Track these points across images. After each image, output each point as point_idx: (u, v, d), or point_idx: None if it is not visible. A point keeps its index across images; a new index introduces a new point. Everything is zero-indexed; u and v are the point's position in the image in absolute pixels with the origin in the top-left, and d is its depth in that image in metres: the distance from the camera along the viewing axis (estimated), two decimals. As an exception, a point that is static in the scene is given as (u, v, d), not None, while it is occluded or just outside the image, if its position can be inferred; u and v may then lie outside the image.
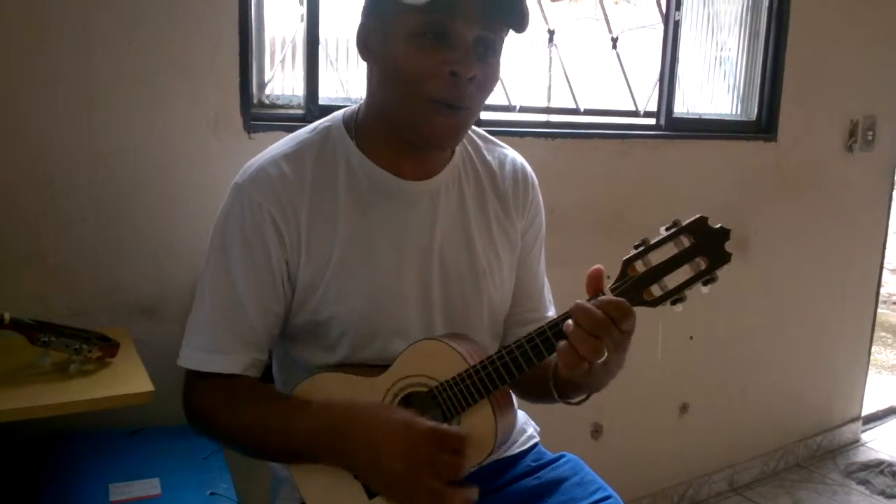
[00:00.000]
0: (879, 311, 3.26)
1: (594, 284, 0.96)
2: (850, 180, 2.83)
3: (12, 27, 1.29)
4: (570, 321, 0.94)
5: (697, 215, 0.94)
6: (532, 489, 1.20)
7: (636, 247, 0.95)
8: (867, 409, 3.26)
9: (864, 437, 3.20)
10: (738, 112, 2.54)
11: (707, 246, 0.93)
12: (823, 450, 3.03)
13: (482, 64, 1.03)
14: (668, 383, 2.42)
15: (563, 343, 0.94)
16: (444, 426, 0.98)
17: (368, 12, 1.07)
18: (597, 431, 2.26)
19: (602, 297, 0.94)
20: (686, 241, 0.94)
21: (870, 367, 3.22)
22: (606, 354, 0.93)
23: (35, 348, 1.11)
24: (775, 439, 2.84)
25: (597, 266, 0.97)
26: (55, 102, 1.33)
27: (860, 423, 3.20)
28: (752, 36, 2.49)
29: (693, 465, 2.58)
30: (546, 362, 1.02)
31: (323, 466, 1.04)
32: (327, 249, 1.08)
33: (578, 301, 0.94)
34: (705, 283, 0.94)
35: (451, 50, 1.00)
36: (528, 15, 1.03)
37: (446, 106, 1.02)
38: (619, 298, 0.94)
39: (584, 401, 1.12)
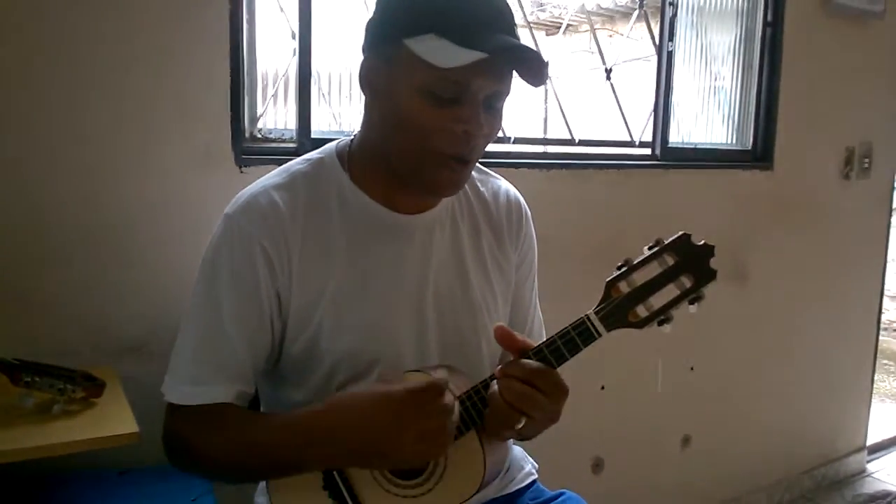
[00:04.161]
0: (881, 338, 3.24)
1: (513, 344, 0.98)
2: (847, 208, 2.83)
3: None
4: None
5: (680, 233, 0.92)
6: (530, 529, 1.17)
7: (619, 267, 0.93)
8: (872, 439, 3.22)
9: (870, 467, 3.16)
10: (734, 141, 2.55)
11: (691, 263, 0.92)
12: (829, 481, 2.98)
13: (490, 117, 1.02)
14: (669, 415, 2.39)
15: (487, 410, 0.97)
16: (413, 383, 0.94)
17: (371, 50, 1.04)
18: (598, 466, 2.22)
19: (528, 366, 0.95)
20: (670, 260, 0.92)
21: (873, 395, 3.18)
22: (524, 422, 0.95)
23: (18, 389, 1.09)
24: (779, 471, 2.80)
25: (497, 325, 0.99)
26: (43, 138, 1.33)
27: (865, 453, 3.16)
28: (746, 66, 2.50)
29: (697, 498, 2.53)
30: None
31: (304, 494, 1.01)
32: (320, 281, 1.07)
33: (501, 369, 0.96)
34: (692, 302, 0.93)
35: (462, 108, 0.98)
36: (546, 72, 1.00)
37: (455, 160, 1.02)
38: (542, 367, 0.95)
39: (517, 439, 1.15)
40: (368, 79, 1.04)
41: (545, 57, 0.99)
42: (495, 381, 0.98)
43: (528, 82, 1.01)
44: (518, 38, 1.01)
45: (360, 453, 0.96)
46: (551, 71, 2.09)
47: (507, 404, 0.94)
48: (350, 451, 0.96)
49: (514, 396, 0.93)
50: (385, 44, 1.01)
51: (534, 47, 1.03)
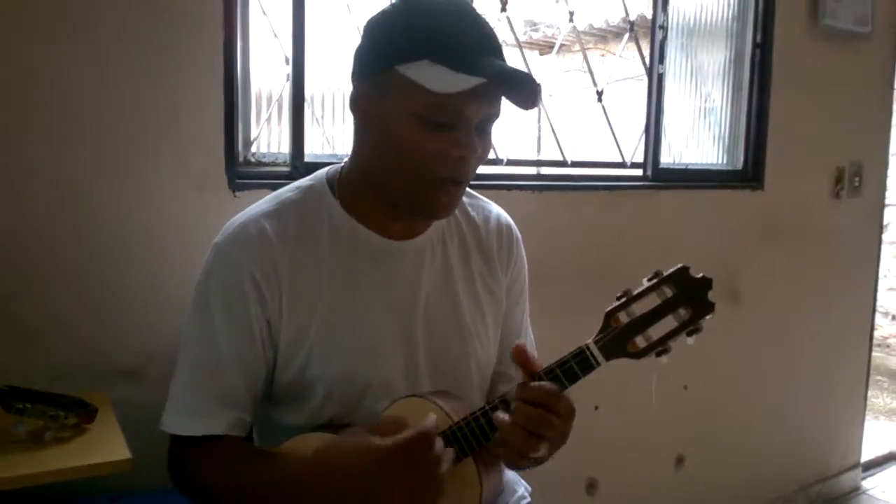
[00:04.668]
0: (874, 354, 3.24)
1: (526, 362, 0.97)
2: (838, 226, 2.84)
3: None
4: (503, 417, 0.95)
5: (679, 265, 0.93)
6: (523, 554, 1.17)
7: (618, 298, 0.94)
8: (866, 456, 3.22)
9: (865, 484, 3.15)
10: (725, 161, 2.56)
11: (689, 296, 0.93)
12: (823, 498, 2.97)
13: (482, 139, 1.03)
14: (663, 435, 2.39)
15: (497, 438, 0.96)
16: (406, 434, 0.93)
17: (362, 77, 1.05)
18: (592, 486, 2.22)
19: (533, 386, 0.95)
20: (668, 292, 0.93)
21: (867, 412, 3.18)
22: (543, 449, 0.95)
23: (9, 415, 1.09)
24: (774, 489, 2.79)
25: (519, 342, 0.98)
26: (34, 164, 1.33)
27: (860, 470, 3.15)
28: (736, 87, 2.53)
29: (692, 518, 2.53)
30: None
31: None
32: (311, 309, 1.07)
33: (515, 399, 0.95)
34: (689, 334, 0.93)
35: (457, 133, 0.99)
36: (539, 96, 1.01)
37: (451, 183, 1.03)
38: (549, 386, 0.94)
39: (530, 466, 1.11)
40: (360, 106, 1.05)
41: (538, 80, 1.01)
42: (495, 410, 0.98)
43: (521, 106, 1.02)
44: (505, 61, 1.02)
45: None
46: (544, 92, 2.11)
47: (523, 429, 0.92)
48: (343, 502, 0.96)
49: (531, 420, 0.93)
50: (377, 71, 1.02)
51: (526, 70, 1.04)
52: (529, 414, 0.93)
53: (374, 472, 0.92)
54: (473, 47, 0.98)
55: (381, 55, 1.02)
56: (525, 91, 1.00)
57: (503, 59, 1.02)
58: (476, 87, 0.94)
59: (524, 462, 0.97)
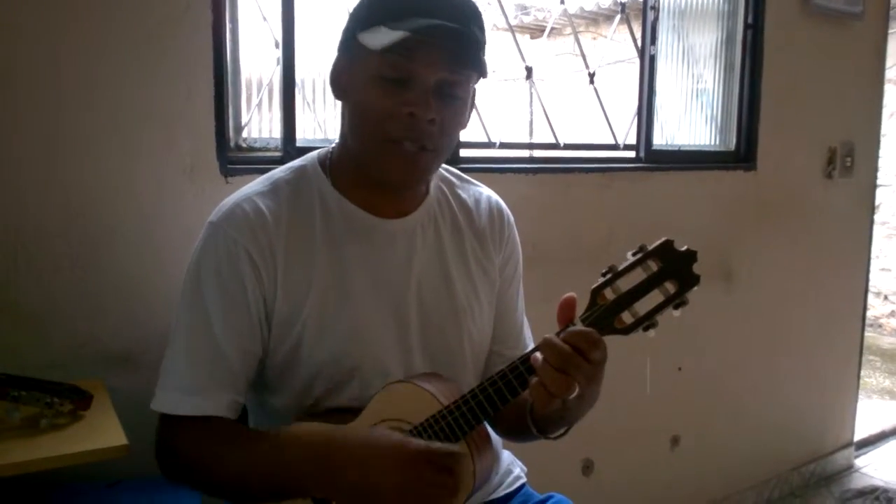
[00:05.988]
0: (866, 334, 3.26)
1: (566, 314, 0.95)
2: (830, 206, 2.85)
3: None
4: (538, 355, 0.92)
5: (663, 238, 0.93)
6: (519, 533, 1.17)
7: (604, 274, 0.94)
8: (859, 434, 3.25)
9: (858, 462, 3.18)
10: (717, 142, 2.56)
11: (675, 269, 0.93)
12: (817, 477, 3.00)
13: (443, 106, 1.03)
14: (658, 416, 2.40)
15: (533, 379, 0.93)
16: (436, 445, 0.95)
17: (338, 53, 1.10)
18: (587, 467, 2.23)
19: (570, 329, 0.92)
20: (654, 266, 0.93)
21: (860, 391, 3.21)
22: (578, 389, 0.91)
23: (4, 403, 1.08)
24: (768, 469, 2.82)
25: (569, 294, 0.96)
26: (26, 153, 1.32)
27: (853, 448, 3.18)
28: (728, 67, 2.52)
29: (687, 497, 2.54)
30: (522, 398, 1.00)
31: None
32: (304, 287, 1.07)
33: (546, 336, 0.92)
34: (676, 307, 0.93)
35: (410, 92, 1.01)
36: (484, 62, 1.03)
37: (404, 144, 1.03)
38: (587, 329, 0.92)
39: (563, 435, 1.10)
40: (337, 81, 1.09)
41: (479, 38, 1.01)
42: (482, 392, 0.98)
43: (457, 67, 1.02)
44: (475, 32, 1.02)
45: (358, 494, 0.96)
46: (536, 74, 2.11)
47: (553, 369, 0.90)
48: (349, 488, 0.96)
49: (560, 360, 0.90)
50: (347, 43, 1.07)
51: (479, 34, 1.03)
52: (560, 351, 0.90)
53: (397, 466, 0.93)
54: (424, 9, 0.99)
55: (349, 28, 1.06)
56: (454, 47, 1.00)
57: (467, 27, 1.01)
58: (422, 46, 0.97)
59: (557, 409, 0.95)
